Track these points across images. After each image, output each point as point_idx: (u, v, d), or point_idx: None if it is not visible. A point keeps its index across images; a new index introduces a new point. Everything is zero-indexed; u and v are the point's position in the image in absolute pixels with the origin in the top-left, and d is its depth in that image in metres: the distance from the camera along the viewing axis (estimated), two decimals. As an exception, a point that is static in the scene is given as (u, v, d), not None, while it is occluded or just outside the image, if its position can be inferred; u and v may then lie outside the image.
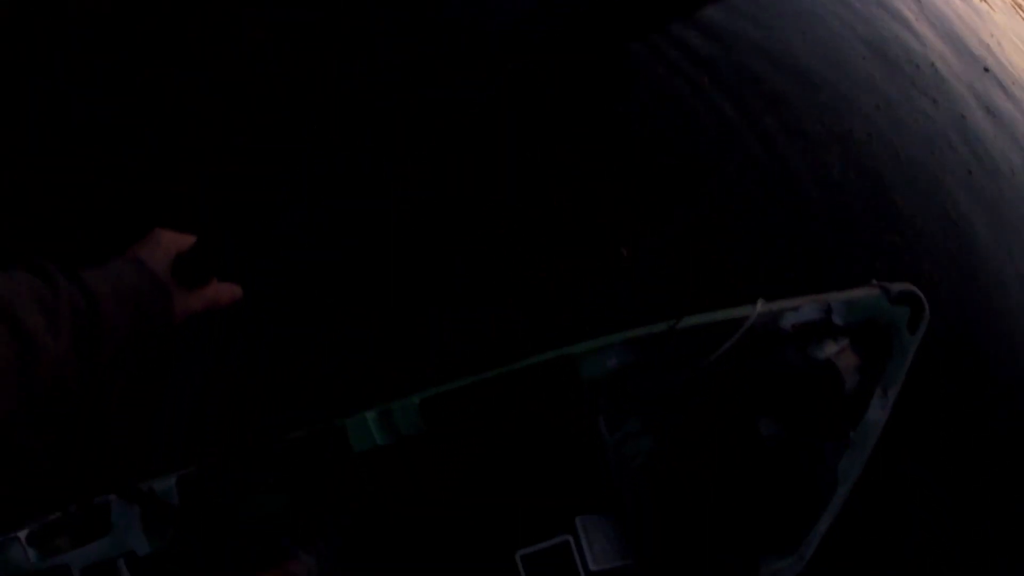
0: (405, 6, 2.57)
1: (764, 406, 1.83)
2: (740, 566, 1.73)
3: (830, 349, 1.74)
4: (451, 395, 1.66)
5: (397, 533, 1.75)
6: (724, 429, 1.83)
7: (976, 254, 3.49)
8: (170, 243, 0.84)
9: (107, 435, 1.81)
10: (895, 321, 1.73)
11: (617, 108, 2.88)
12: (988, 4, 6.22)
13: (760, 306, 1.71)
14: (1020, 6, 6.98)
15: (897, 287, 1.74)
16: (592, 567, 1.72)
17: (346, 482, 1.69)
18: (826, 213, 3.12)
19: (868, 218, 3.23)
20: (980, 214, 3.65)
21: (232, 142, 2.27)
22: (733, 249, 2.81)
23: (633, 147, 2.81)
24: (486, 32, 2.65)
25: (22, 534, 1.35)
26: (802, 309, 1.73)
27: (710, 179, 2.92)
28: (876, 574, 2.53)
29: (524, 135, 2.59)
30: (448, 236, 2.38)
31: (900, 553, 2.59)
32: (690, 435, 1.84)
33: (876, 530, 2.55)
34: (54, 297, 0.66)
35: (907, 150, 3.64)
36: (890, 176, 3.45)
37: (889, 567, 2.54)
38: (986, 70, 4.98)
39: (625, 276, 2.54)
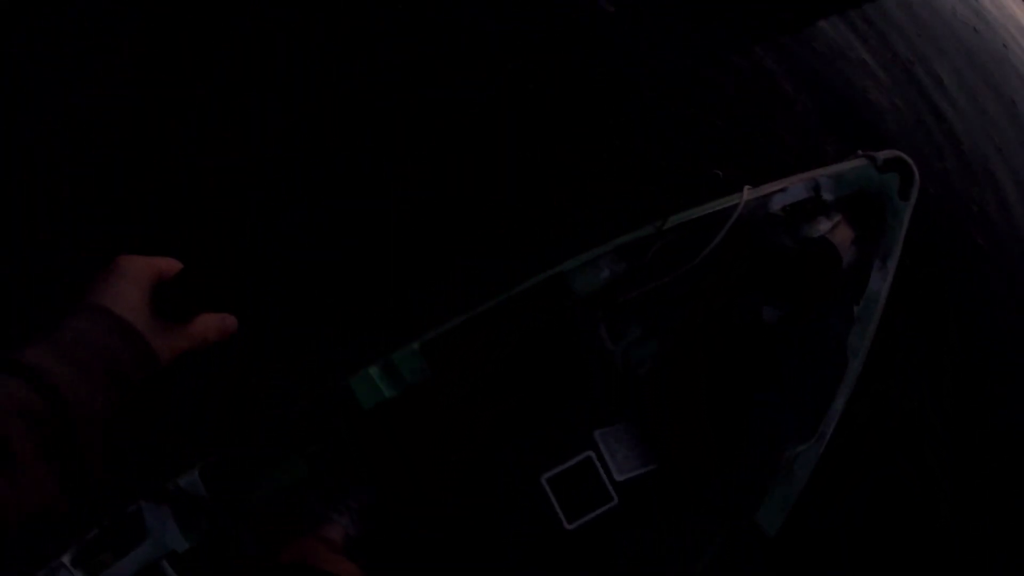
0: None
1: (765, 293, 1.78)
2: (762, 455, 1.69)
3: (824, 226, 1.70)
4: (449, 333, 1.63)
5: (421, 484, 1.73)
6: (727, 322, 1.78)
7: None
8: (140, 271, 0.66)
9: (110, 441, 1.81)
10: (885, 189, 1.68)
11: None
12: None
13: (747, 193, 1.65)
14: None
15: (883, 154, 1.69)
16: (617, 477, 1.71)
17: (362, 439, 1.66)
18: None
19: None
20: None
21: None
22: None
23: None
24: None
25: (66, 558, 1.35)
26: (790, 190, 1.68)
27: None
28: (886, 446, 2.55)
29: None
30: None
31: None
32: (694, 333, 1.80)
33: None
34: None
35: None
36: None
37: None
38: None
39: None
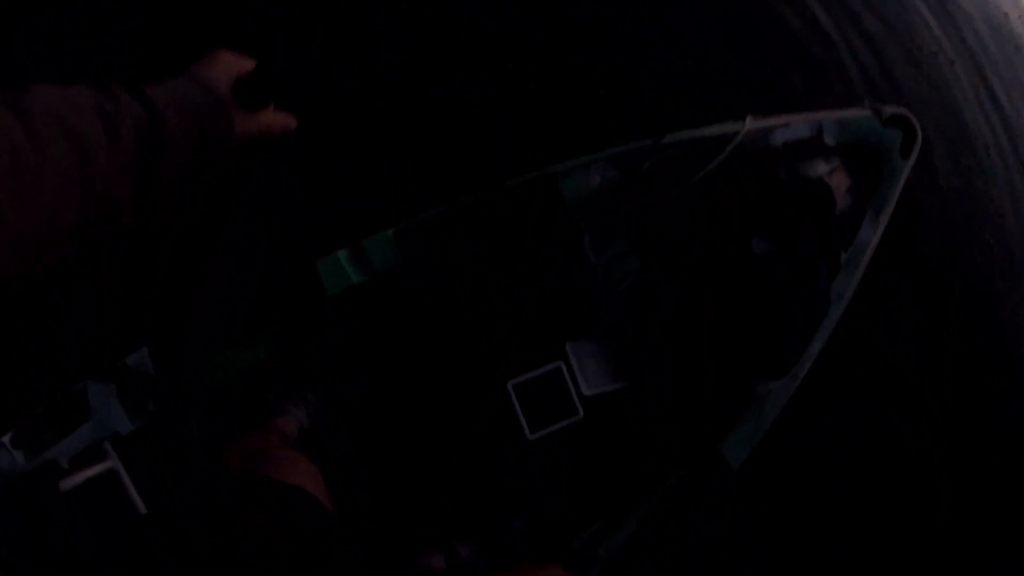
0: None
1: (755, 225, 1.76)
2: (732, 387, 1.67)
3: (821, 168, 1.67)
4: (427, 223, 1.56)
5: (384, 374, 1.68)
6: (714, 248, 1.76)
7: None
8: (231, 64, 0.83)
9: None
10: (886, 144, 1.66)
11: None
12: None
13: (749, 122, 1.63)
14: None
15: (889, 109, 1.67)
16: (585, 392, 1.69)
17: (324, 325, 1.61)
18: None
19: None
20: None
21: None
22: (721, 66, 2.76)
23: None
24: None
25: (6, 438, 1.31)
26: (793, 127, 1.66)
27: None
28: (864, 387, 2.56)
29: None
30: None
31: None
32: (679, 255, 1.77)
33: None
34: (115, 108, 0.65)
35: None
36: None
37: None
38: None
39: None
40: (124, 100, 0.67)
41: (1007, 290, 3.19)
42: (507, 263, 1.69)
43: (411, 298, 1.64)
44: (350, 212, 2.26)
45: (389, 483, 1.67)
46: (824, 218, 1.68)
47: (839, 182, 1.68)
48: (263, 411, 1.61)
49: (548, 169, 1.62)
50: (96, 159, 0.62)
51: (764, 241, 1.75)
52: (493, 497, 1.72)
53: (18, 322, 1.80)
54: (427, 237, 1.58)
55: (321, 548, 1.11)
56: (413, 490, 1.68)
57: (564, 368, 1.68)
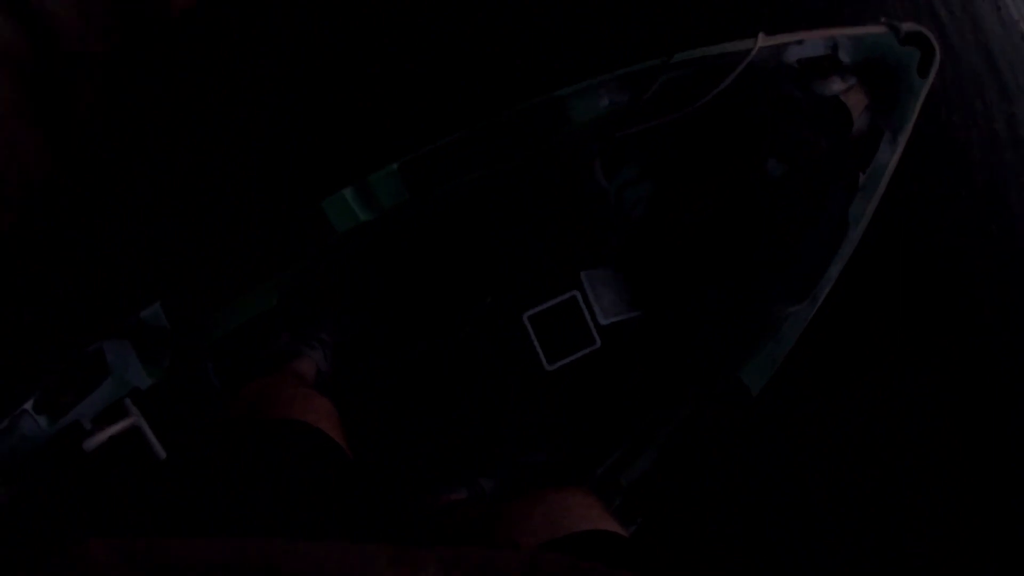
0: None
1: (770, 146, 1.70)
2: (751, 311, 1.63)
3: (837, 86, 1.61)
4: (433, 153, 1.54)
5: (397, 311, 1.68)
6: (729, 170, 1.71)
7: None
8: None
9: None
10: (904, 63, 1.61)
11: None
12: None
13: (761, 39, 1.57)
14: None
15: (907, 26, 1.61)
16: (602, 321, 1.67)
17: (336, 265, 1.59)
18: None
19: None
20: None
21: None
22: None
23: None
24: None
25: (28, 405, 1.30)
26: (807, 43, 1.60)
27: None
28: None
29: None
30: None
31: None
32: (694, 178, 1.72)
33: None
34: None
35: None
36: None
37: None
38: None
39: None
40: None
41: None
42: (516, 190, 1.68)
43: (420, 232, 1.63)
44: (353, 150, 2.25)
45: (409, 421, 1.64)
46: (841, 138, 1.63)
47: (856, 101, 1.63)
48: (280, 356, 1.60)
49: (554, 93, 1.58)
50: None
51: (780, 163, 1.70)
52: (513, 430, 1.70)
53: (27, 289, 1.82)
54: (433, 168, 1.55)
55: (324, 484, 1.06)
56: (433, 427, 1.66)
57: (579, 297, 1.67)
